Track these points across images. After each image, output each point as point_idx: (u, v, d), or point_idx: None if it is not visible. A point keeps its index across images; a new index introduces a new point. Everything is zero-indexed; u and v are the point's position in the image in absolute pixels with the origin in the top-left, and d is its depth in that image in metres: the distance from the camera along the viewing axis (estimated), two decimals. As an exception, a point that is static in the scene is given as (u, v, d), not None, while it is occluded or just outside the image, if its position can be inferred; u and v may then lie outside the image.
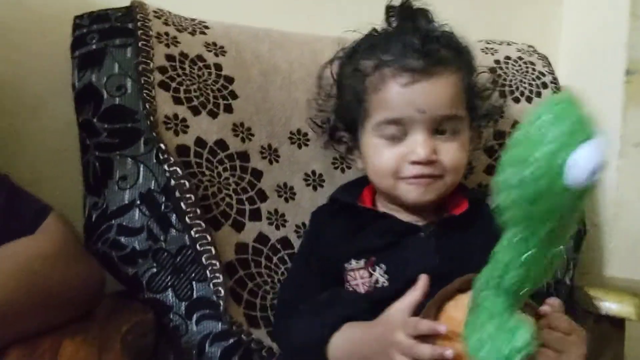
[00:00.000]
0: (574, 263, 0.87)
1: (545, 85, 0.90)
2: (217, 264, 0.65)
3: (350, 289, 0.66)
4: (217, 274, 0.65)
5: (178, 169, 0.66)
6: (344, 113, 0.72)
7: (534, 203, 0.40)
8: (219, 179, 0.71)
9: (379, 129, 0.67)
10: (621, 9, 0.95)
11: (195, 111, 0.72)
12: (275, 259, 0.73)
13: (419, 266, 0.62)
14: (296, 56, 0.81)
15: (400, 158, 0.66)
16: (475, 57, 0.73)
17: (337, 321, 0.60)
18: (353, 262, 0.66)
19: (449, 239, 0.67)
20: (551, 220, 0.41)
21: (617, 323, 0.85)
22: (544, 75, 0.91)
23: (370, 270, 0.65)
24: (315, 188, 0.79)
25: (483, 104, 0.75)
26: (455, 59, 0.68)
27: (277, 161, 0.77)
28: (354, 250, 0.67)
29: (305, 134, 0.79)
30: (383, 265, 0.65)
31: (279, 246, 0.74)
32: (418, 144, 0.65)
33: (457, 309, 0.53)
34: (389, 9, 0.73)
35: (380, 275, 0.65)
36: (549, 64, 0.94)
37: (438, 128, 0.66)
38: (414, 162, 0.66)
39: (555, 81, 0.92)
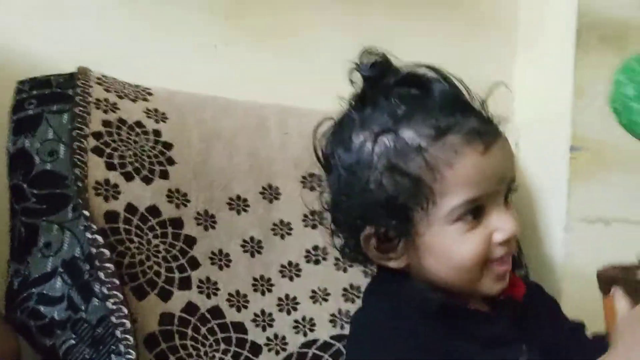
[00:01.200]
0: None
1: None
2: (131, 339, 0.63)
3: None
4: (130, 350, 0.63)
5: (99, 237, 0.65)
6: (382, 202, 0.57)
7: None
8: (148, 246, 0.70)
9: (455, 211, 0.55)
10: (566, 87, 0.98)
11: (129, 177, 0.71)
12: (203, 330, 0.72)
13: None
14: (240, 122, 0.82)
15: (487, 240, 0.56)
16: None
17: None
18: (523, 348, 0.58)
19: (523, 324, 0.61)
20: None
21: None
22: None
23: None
24: (252, 254, 0.78)
25: None
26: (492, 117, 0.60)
27: (213, 227, 0.76)
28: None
29: (245, 200, 0.79)
30: None
31: (208, 316, 0.72)
32: (502, 219, 0.56)
33: None
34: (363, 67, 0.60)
35: None
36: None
37: (506, 195, 0.58)
38: (503, 243, 0.57)
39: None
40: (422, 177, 0.55)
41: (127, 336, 0.64)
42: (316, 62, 0.97)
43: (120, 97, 0.76)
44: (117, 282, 0.65)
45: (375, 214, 0.58)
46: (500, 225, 0.56)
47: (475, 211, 0.56)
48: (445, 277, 0.58)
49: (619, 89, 0.60)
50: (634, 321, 0.53)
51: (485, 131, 0.56)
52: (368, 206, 0.58)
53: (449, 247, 0.56)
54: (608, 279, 0.62)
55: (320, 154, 0.63)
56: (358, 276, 0.80)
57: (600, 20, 0.97)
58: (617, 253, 0.95)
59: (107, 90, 0.76)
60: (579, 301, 0.95)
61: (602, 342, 0.60)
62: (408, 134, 0.56)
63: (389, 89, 0.59)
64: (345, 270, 0.81)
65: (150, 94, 0.80)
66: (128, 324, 0.65)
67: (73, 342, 0.65)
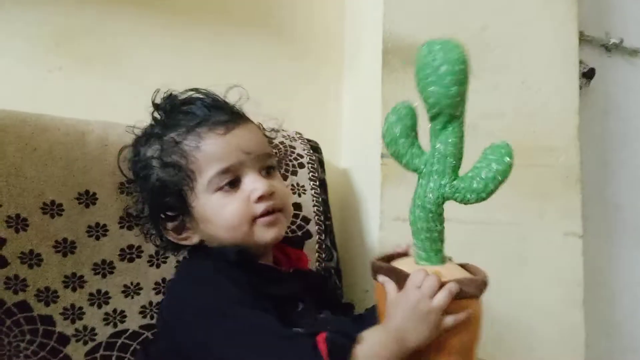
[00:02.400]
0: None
1: (302, 165, 1.02)
2: None
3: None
4: None
5: None
6: (163, 190, 0.74)
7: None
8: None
9: (213, 183, 0.71)
10: (376, 102, 1.11)
11: None
12: (8, 322, 0.77)
13: None
14: (59, 137, 0.89)
15: (246, 201, 0.72)
16: None
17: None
18: (300, 305, 0.73)
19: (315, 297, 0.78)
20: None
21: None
22: (302, 157, 1.04)
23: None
24: (65, 254, 0.84)
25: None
26: (243, 114, 0.79)
27: (24, 230, 0.82)
28: (294, 294, 0.74)
29: (60, 205, 0.85)
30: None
31: (15, 310, 0.78)
32: (255, 181, 0.72)
33: (405, 264, 0.69)
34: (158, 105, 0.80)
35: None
36: (312, 148, 1.07)
37: (263, 167, 0.75)
38: (260, 199, 0.72)
39: (313, 162, 1.04)
40: (181, 162, 0.73)
41: None
42: (144, 82, 1.06)
43: None
44: None
45: (161, 203, 0.76)
46: (254, 187, 0.72)
47: (232, 182, 0.73)
48: (225, 237, 0.73)
49: (389, 127, 0.71)
50: (395, 304, 0.65)
51: (228, 120, 0.74)
52: (155, 198, 0.77)
53: (217, 211, 0.72)
54: (375, 268, 0.72)
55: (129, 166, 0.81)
56: (170, 271, 0.88)
57: (402, 44, 1.11)
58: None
59: None
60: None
61: (371, 318, 0.72)
62: (169, 136, 0.76)
63: (166, 111, 0.79)
64: (158, 266, 0.88)
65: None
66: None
67: None
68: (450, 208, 1.08)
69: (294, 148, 1.04)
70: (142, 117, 0.87)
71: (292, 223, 0.97)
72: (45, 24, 1.02)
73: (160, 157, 0.74)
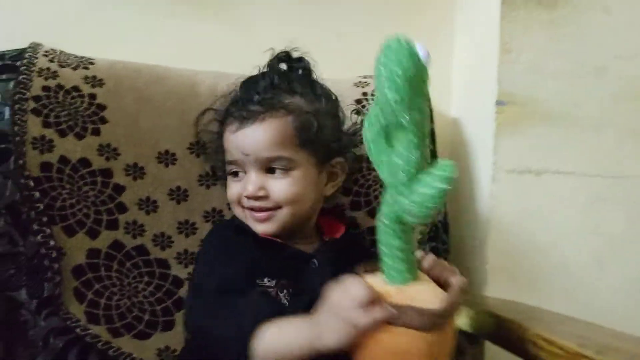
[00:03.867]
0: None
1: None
2: (56, 266, 0.76)
3: None
4: (56, 276, 0.76)
5: (31, 183, 0.79)
6: (214, 155, 0.86)
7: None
8: (78, 192, 0.82)
9: (227, 167, 0.81)
10: (493, 43, 1.02)
11: (62, 133, 0.83)
12: (128, 264, 0.83)
13: (318, 293, 0.64)
14: (172, 87, 0.92)
15: (240, 192, 0.79)
16: (317, 102, 0.81)
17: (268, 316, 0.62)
18: (266, 280, 0.73)
19: (339, 259, 0.75)
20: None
21: (472, 339, 0.89)
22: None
23: (278, 292, 0.73)
24: (178, 202, 0.88)
25: (326, 141, 0.80)
26: (279, 107, 0.77)
27: (141, 178, 0.87)
28: (267, 269, 0.74)
29: (174, 154, 0.89)
30: (289, 290, 0.73)
31: (133, 253, 0.84)
32: (248, 181, 0.77)
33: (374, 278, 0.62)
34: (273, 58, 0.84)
35: (283, 297, 0.73)
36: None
37: (268, 167, 0.77)
38: (247, 197, 0.77)
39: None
40: (219, 139, 0.83)
41: (53, 264, 0.77)
42: (255, 32, 1.06)
43: (62, 66, 0.88)
44: (46, 220, 0.78)
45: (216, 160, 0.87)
46: (245, 185, 0.77)
47: (235, 173, 0.80)
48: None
49: (365, 132, 0.62)
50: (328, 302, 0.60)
51: (243, 118, 0.77)
52: (213, 153, 0.87)
53: (227, 189, 0.81)
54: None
55: None
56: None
57: (525, -23, 1.00)
58: (546, 203, 1.00)
59: (51, 61, 0.88)
60: (504, 251, 1.01)
61: None
62: (220, 112, 0.85)
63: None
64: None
65: (92, 63, 0.91)
66: (54, 255, 0.77)
67: (12, 271, 0.78)
68: (574, 160, 1.01)
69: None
70: (251, 68, 0.88)
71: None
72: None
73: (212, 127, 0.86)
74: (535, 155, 1.01)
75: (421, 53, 0.58)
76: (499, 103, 1.01)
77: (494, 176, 1.01)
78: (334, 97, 0.86)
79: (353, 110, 0.94)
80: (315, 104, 0.80)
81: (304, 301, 0.67)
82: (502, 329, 0.75)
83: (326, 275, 0.68)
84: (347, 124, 0.89)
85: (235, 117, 0.79)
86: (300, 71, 0.84)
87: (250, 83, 0.82)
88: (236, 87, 0.84)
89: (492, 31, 1.03)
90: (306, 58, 0.84)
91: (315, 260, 0.76)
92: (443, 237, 0.96)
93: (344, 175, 0.84)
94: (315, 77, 0.85)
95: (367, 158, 0.91)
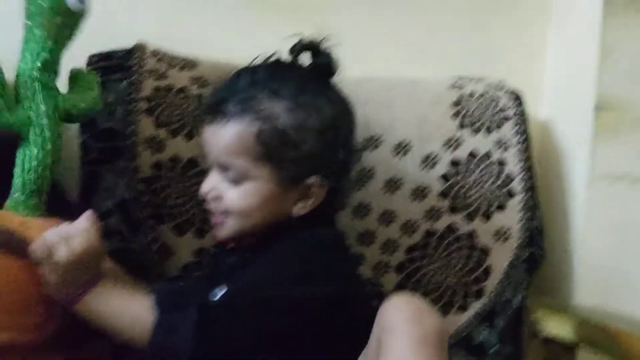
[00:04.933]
0: (525, 286, 0.92)
1: (507, 118, 0.97)
2: (164, 265, 0.80)
3: None
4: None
5: (143, 184, 0.82)
6: None
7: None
8: (187, 192, 0.84)
9: None
10: (593, 47, 1.00)
11: (174, 133, 0.85)
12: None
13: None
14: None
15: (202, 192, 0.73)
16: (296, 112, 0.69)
17: None
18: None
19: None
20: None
21: (567, 347, 0.89)
22: (507, 108, 0.98)
23: None
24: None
25: (301, 158, 0.69)
26: (250, 111, 0.68)
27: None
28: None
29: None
30: None
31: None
32: (206, 180, 0.72)
33: None
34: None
35: None
36: (517, 99, 1.00)
37: (223, 169, 0.70)
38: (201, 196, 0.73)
39: (519, 114, 0.98)
40: None
41: (163, 263, 0.80)
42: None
43: (170, 67, 0.90)
44: (156, 218, 0.81)
45: None
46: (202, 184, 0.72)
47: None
48: None
49: None
50: None
51: (211, 114, 0.70)
52: None
53: None
54: None
55: None
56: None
57: (629, -19, 0.98)
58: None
59: (159, 61, 0.90)
60: (597, 258, 0.99)
61: None
62: None
63: None
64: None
65: (196, 64, 0.93)
66: (162, 253, 0.80)
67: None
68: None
69: (498, 99, 0.99)
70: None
71: (496, 180, 0.93)
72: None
73: None
74: (634, 162, 0.99)
75: None
76: (597, 108, 0.99)
77: (590, 182, 0.99)
78: (338, 110, 0.73)
79: (453, 114, 0.95)
80: (300, 115, 0.68)
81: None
82: (596, 335, 0.75)
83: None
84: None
85: (206, 111, 0.72)
86: (311, 69, 0.74)
87: (235, 76, 0.72)
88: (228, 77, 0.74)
89: (592, 35, 1.00)
90: (331, 54, 0.74)
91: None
92: (539, 242, 0.95)
93: (322, 196, 0.71)
94: (331, 77, 0.75)
95: (465, 162, 0.93)
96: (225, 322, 0.61)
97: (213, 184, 0.71)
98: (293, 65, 0.74)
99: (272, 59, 0.74)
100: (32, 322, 0.59)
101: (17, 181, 0.62)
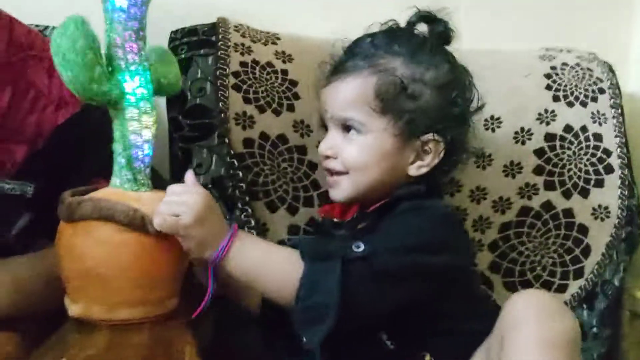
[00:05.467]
0: (625, 266, 0.89)
1: (602, 91, 0.93)
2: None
3: None
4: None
5: (235, 161, 0.80)
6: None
7: None
8: (278, 169, 0.83)
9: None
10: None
11: (262, 109, 0.84)
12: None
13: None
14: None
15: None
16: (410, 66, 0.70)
17: None
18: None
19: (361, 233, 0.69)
20: None
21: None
22: (601, 81, 0.93)
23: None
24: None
25: (417, 112, 0.69)
26: (367, 66, 0.70)
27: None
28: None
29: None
30: None
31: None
32: (326, 137, 0.73)
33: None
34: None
35: None
36: (610, 71, 0.95)
37: (345, 126, 0.71)
38: (320, 155, 0.74)
39: (613, 86, 0.93)
40: None
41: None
42: None
43: (254, 41, 0.88)
44: (248, 198, 0.80)
45: None
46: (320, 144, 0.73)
47: (324, 127, 0.75)
48: None
49: None
50: None
51: (329, 75, 0.73)
52: None
53: None
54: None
55: None
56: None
57: None
58: None
59: (243, 36, 0.88)
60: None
61: None
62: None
63: None
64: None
65: (278, 38, 0.90)
66: (258, 230, 0.79)
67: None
68: None
69: (592, 70, 0.94)
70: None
71: (593, 155, 0.89)
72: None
73: None
74: None
75: None
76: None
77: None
78: (455, 72, 0.73)
79: (546, 86, 0.91)
80: (416, 70, 0.70)
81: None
82: None
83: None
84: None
85: (330, 71, 0.74)
86: (429, 35, 0.74)
87: (355, 41, 0.75)
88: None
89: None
90: (448, 23, 0.74)
91: (345, 231, 0.72)
92: (638, 221, 0.91)
93: (438, 158, 0.71)
94: (448, 44, 0.75)
95: (560, 137, 0.89)
96: (366, 282, 0.60)
97: (331, 143, 0.72)
98: (411, 31, 0.75)
99: (390, 25, 0.76)
100: (159, 296, 0.58)
101: (120, 158, 0.61)
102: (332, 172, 0.72)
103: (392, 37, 0.73)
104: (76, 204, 0.56)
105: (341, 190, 0.71)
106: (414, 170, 0.70)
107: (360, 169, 0.70)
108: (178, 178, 0.80)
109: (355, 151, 0.70)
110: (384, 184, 0.70)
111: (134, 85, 0.57)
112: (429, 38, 0.73)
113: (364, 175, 0.70)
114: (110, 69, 0.58)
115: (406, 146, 0.70)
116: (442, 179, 0.79)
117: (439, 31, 0.73)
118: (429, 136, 0.70)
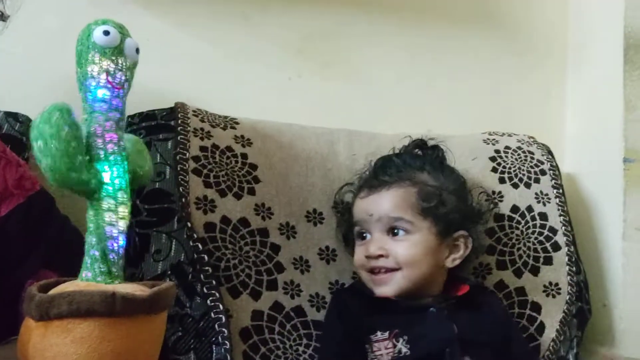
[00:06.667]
0: (577, 341, 0.91)
1: (543, 172, 0.99)
2: (226, 331, 0.75)
3: (375, 358, 0.76)
4: (226, 341, 0.74)
5: (199, 245, 0.78)
6: (345, 223, 0.88)
7: None
8: (240, 252, 0.81)
9: (354, 229, 0.84)
10: (616, 103, 1.04)
11: (223, 193, 0.83)
12: (288, 326, 0.82)
13: (438, 335, 0.76)
14: (313, 146, 0.93)
15: (363, 253, 0.81)
16: (436, 177, 0.84)
17: None
18: (379, 333, 0.76)
19: (459, 312, 0.79)
20: None
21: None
22: (542, 163, 1.00)
23: (394, 341, 0.76)
24: (328, 262, 0.88)
25: (448, 214, 0.82)
26: (406, 179, 0.83)
27: (294, 237, 0.86)
28: (379, 324, 0.77)
29: (321, 213, 0.89)
30: (405, 337, 0.76)
31: (292, 314, 0.82)
32: (371, 241, 0.81)
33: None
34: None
35: (402, 346, 0.75)
36: (549, 153, 1.02)
37: (391, 229, 0.80)
38: (368, 257, 0.80)
39: (553, 168, 1.00)
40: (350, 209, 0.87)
41: (223, 329, 0.76)
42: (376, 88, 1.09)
43: (212, 126, 0.89)
44: (215, 282, 0.77)
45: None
46: (366, 245, 0.81)
47: (359, 234, 0.84)
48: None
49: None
50: None
51: (371, 186, 0.84)
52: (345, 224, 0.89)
53: (354, 255, 0.84)
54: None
55: None
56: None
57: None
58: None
59: (202, 121, 0.89)
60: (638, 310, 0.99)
61: None
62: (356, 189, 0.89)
63: None
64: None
65: (237, 122, 0.92)
66: (224, 319, 0.76)
67: (180, 334, 0.77)
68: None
69: (533, 153, 1.01)
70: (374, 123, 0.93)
71: (540, 234, 0.94)
72: (291, 29, 1.06)
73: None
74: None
75: None
76: (626, 160, 1.02)
77: (625, 233, 1.01)
78: (461, 180, 0.89)
79: (492, 169, 0.96)
80: (440, 181, 0.84)
81: (425, 347, 0.75)
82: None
83: (444, 318, 0.77)
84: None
85: (366, 186, 0.85)
86: (432, 155, 0.90)
87: (385, 160, 0.88)
88: (370, 164, 0.89)
89: (614, 91, 1.05)
90: (440, 146, 0.91)
91: (433, 308, 0.79)
92: (586, 296, 0.95)
93: (468, 250, 0.83)
94: (446, 161, 0.90)
95: (508, 217, 0.93)
96: None
97: (380, 244, 0.80)
98: (423, 153, 0.91)
99: (407, 149, 0.91)
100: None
101: (93, 251, 0.58)
102: (381, 271, 0.79)
103: (415, 156, 0.88)
104: (48, 301, 0.52)
105: (395, 284, 0.79)
106: (450, 262, 0.82)
107: (412, 264, 0.79)
108: (135, 265, 0.79)
109: (407, 249, 0.79)
110: (431, 275, 0.80)
111: (112, 175, 0.56)
112: (435, 158, 0.89)
113: (415, 270, 0.79)
114: (88, 158, 0.56)
115: (443, 243, 0.81)
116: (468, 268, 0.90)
117: (437, 154, 0.90)
118: (461, 232, 0.82)
